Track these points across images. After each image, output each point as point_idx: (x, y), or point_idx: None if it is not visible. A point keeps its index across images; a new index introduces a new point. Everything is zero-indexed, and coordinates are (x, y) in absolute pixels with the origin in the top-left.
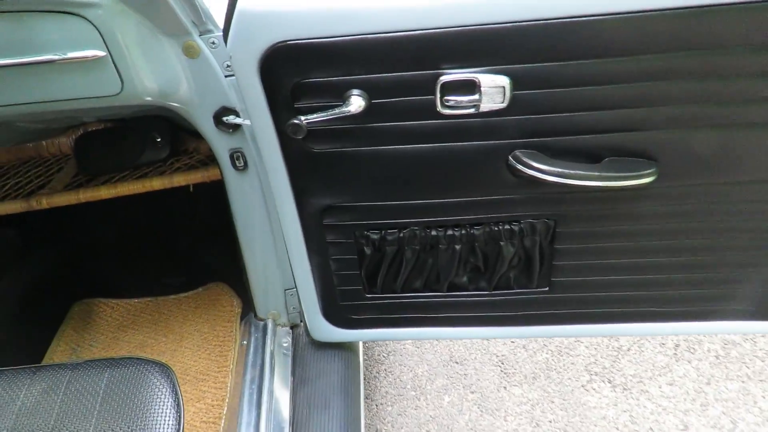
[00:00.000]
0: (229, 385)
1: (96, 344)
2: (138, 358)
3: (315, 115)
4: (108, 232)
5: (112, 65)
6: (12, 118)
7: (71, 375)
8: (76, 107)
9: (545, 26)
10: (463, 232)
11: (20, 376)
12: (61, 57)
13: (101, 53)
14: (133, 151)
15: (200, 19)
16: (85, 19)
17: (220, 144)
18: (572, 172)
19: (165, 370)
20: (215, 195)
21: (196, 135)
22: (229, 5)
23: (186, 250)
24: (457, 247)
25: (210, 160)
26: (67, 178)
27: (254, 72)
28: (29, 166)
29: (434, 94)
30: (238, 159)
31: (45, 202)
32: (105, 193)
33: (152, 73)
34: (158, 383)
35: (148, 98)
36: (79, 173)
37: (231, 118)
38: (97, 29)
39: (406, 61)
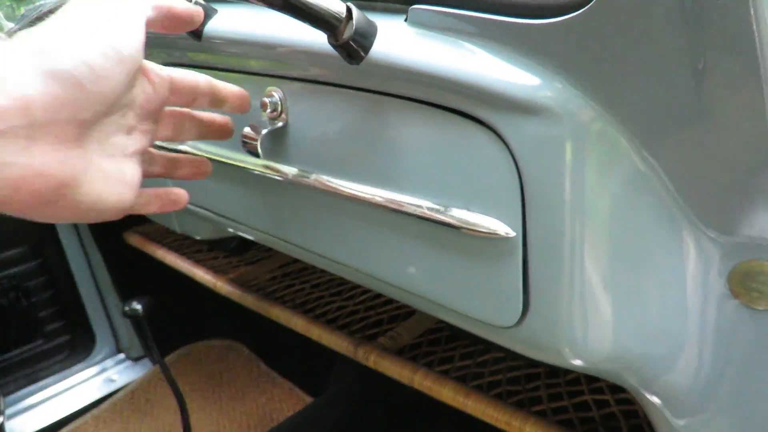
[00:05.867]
0: None
1: None
2: None
3: None
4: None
5: (518, 262)
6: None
7: None
8: (425, 310)
9: None
10: None
11: None
12: (431, 213)
13: (505, 230)
14: None
15: None
16: (497, 135)
17: None
18: None
19: None
20: None
21: None
22: None
23: None
24: None
25: None
26: (423, 324)
27: None
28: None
29: None
30: None
31: (372, 360)
32: (447, 394)
33: (619, 305)
34: None
35: (577, 361)
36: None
37: None
38: (517, 168)
39: None
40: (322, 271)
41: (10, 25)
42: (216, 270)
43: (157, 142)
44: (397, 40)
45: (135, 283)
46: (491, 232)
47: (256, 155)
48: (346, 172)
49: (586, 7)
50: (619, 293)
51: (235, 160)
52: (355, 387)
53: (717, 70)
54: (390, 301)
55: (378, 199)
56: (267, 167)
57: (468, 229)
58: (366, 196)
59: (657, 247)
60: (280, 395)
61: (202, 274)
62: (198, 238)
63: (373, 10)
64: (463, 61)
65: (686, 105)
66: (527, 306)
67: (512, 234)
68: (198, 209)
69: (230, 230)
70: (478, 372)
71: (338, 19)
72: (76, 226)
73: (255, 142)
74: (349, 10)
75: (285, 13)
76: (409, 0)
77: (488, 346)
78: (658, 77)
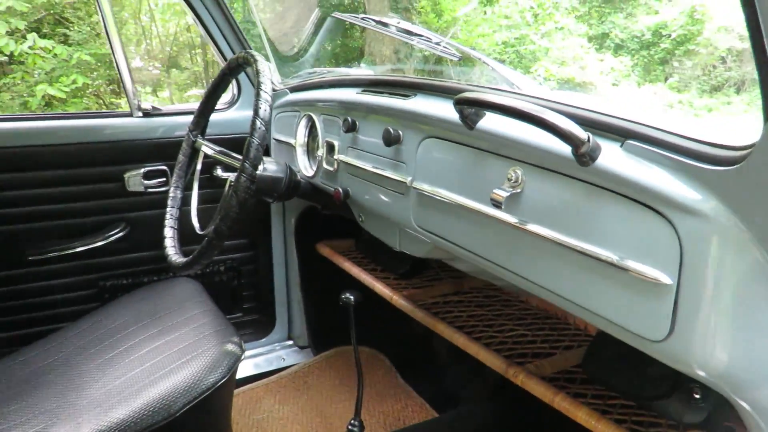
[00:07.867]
0: None
1: None
2: None
3: None
4: None
5: (671, 301)
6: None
7: None
8: (593, 322)
9: None
10: None
11: None
12: (611, 259)
13: (666, 280)
14: (658, 388)
15: None
16: (670, 224)
17: None
18: None
19: None
20: None
21: None
22: None
23: None
24: None
25: None
26: (562, 364)
27: None
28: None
29: None
30: None
31: (520, 379)
32: (582, 416)
33: (733, 341)
34: None
35: (701, 372)
36: (581, 369)
37: None
38: (680, 245)
39: None
40: (477, 305)
41: (278, 79)
42: (392, 287)
43: (407, 180)
44: (614, 157)
45: (314, 285)
46: (656, 279)
47: (499, 209)
48: (561, 227)
49: (737, 165)
50: (734, 333)
51: (478, 209)
52: (481, 409)
53: None
54: (534, 340)
55: (579, 248)
56: (504, 217)
57: (641, 275)
58: (572, 245)
59: (763, 307)
60: (413, 407)
61: (381, 288)
62: (410, 253)
63: (596, 135)
64: (656, 178)
65: None
66: (672, 329)
67: (670, 282)
68: (436, 237)
69: (450, 253)
70: (606, 410)
71: (581, 141)
72: (284, 232)
73: (500, 200)
74: (589, 137)
75: (550, 132)
76: (625, 134)
77: (620, 394)
78: None
